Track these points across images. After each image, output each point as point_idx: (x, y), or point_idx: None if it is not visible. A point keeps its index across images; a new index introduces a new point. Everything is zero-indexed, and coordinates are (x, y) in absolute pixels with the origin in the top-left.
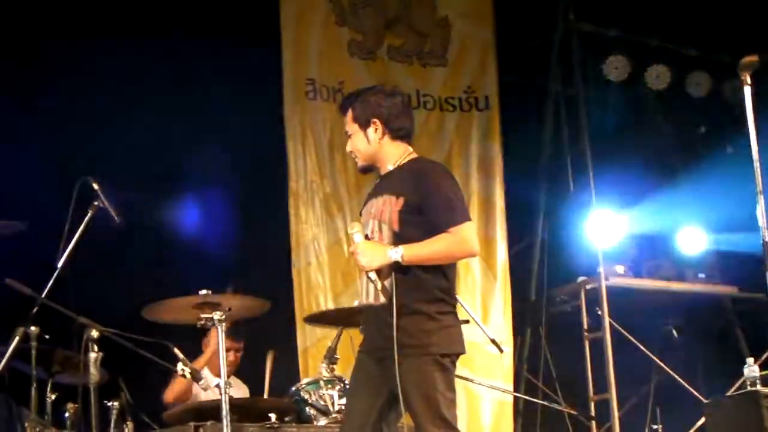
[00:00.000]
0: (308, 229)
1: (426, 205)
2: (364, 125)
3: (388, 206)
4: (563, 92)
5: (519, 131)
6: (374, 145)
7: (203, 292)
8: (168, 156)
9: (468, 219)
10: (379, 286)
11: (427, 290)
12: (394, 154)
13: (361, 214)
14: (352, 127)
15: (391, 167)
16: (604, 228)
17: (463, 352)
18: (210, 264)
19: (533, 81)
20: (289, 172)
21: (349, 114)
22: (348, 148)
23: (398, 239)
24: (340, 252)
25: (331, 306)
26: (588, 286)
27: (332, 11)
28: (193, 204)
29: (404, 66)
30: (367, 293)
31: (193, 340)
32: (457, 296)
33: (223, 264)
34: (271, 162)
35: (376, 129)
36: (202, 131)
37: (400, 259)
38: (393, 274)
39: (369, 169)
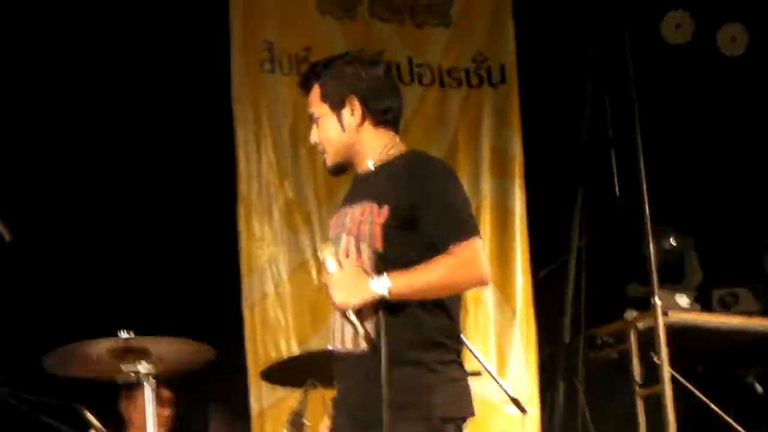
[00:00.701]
0: (263, 249)
1: (420, 216)
2: (336, 106)
3: (368, 217)
4: (606, 61)
5: (546, 114)
6: (350, 134)
7: (124, 334)
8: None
9: (476, 234)
10: (361, 330)
11: (423, 333)
12: (376, 146)
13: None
14: (319, 109)
15: (371, 164)
16: (662, 245)
17: (473, 415)
18: (133, 298)
19: (565, 46)
20: (237, 171)
21: (315, 90)
22: (313, 138)
23: (382, 263)
24: (307, 279)
25: (295, 352)
26: (640, 324)
27: None
28: (106, 216)
29: (392, 26)
30: (343, 337)
31: (113, 401)
32: (463, 339)
33: (149, 298)
34: (213, 158)
35: (352, 111)
36: (116, 116)
37: (386, 293)
38: (378, 312)
39: (342, 168)
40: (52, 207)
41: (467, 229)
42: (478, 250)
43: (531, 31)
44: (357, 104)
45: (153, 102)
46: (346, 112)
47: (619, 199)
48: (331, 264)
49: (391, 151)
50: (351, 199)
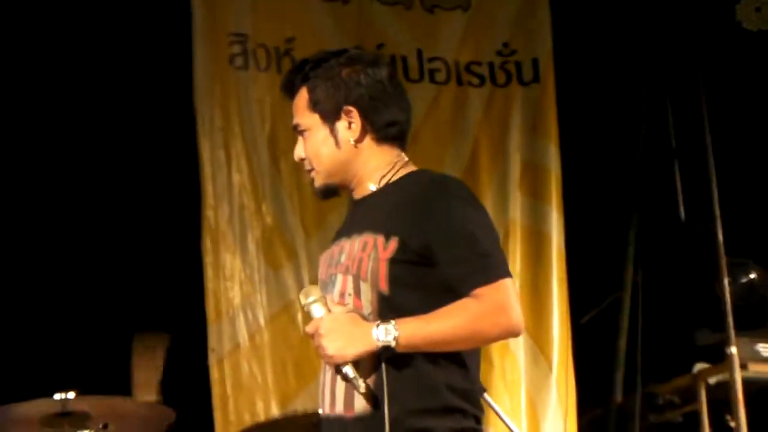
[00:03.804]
0: (235, 289)
1: (435, 253)
2: (328, 117)
3: (371, 252)
4: (666, 55)
5: (590, 120)
6: (346, 151)
7: (61, 395)
8: None
9: (506, 274)
10: (361, 385)
11: (435, 393)
12: (379, 166)
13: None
14: (306, 119)
15: (373, 187)
16: (739, 281)
17: None
18: (73, 350)
19: (614, 35)
20: (202, 191)
21: (302, 96)
22: (298, 154)
23: (388, 307)
24: (291, 326)
25: (275, 414)
26: (712, 380)
27: None
28: (46, 248)
29: (396, 11)
30: (335, 397)
31: None
32: (487, 399)
33: (93, 350)
34: (172, 175)
35: (349, 124)
36: (61, 119)
37: (392, 343)
38: (381, 366)
39: (333, 190)
40: None
41: (494, 268)
42: (509, 293)
43: (570, 17)
44: (355, 115)
45: (102, 108)
46: (341, 124)
47: (684, 224)
48: (318, 309)
49: (397, 172)
50: (348, 230)
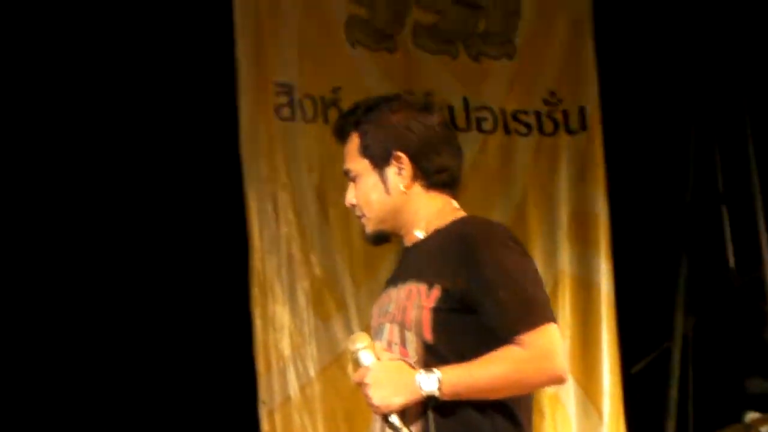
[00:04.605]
0: (285, 341)
1: (478, 299)
2: (379, 162)
3: (415, 301)
4: (714, 97)
5: (637, 168)
6: (395, 197)
7: None
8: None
9: (550, 320)
10: None
11: None
12: (428, 213)
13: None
14: (357, 165)
15: (420, 234)
16: None
17: None
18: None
19: (660, 81)
20: (249, 242)
21: (353, 141)
22: (349, 200)
23: (433, 356)
24: (341, 377)
25: None
26: (763, 428)
27: None
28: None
29: (442, 59)
30: None
31: None
32: None
33: (141, 402)
34: (219, 226)
35: (399, 169)
36: (108, 175)
37: (436, 392)
38: (428, 414)
39: (384, 237)
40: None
41: (539, 313)
42: (554, 339)
43: (616, 65)
44: (405, 161)
45: (151, 159)
46: (391, 170)
47: (734, 271)
48: (366, 357)
49: (446, 219)
50: (396, 278)
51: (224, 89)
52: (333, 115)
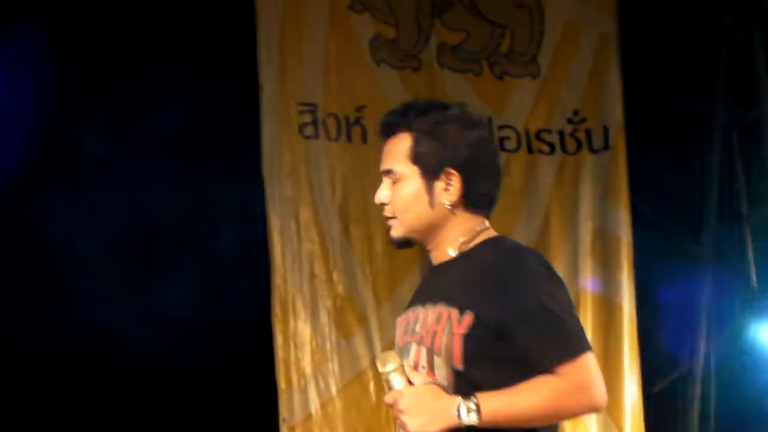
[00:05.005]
0: (306, 358)
1: (512, 329)
2: (429, 174)
3: (445, 326)
4: (736, 120)
5: (661, 187)
6: (438, 213)
7: None
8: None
9: (587, 348)
10: None
11: None
12: (463, 232)
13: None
14: (403, 167)
15: (452, 252)
16: None
17: None
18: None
19: (683, 101)
20: (272, 259)
21: (404, 142)
22: (380, 197)
23: (463, 383)
24: (363, 395)
25: None
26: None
27: None
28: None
29: (466, 77)
30: None
31: None
32: None
33: (161, 422)
34: (241, 244)
35: (447, 186)
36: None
37: (476, 421)
38: None
39: (408, 243)
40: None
41: (575, 344)
42: (592, 370)
43: (640, 82)
44: (456, 179)
45: (173, 176)
46: (439, 184)
47: (756, 290)
48: (397, 380)
49: (476, 239)
50: (423, 296)
51: (248, 107)
52: (357, 133)
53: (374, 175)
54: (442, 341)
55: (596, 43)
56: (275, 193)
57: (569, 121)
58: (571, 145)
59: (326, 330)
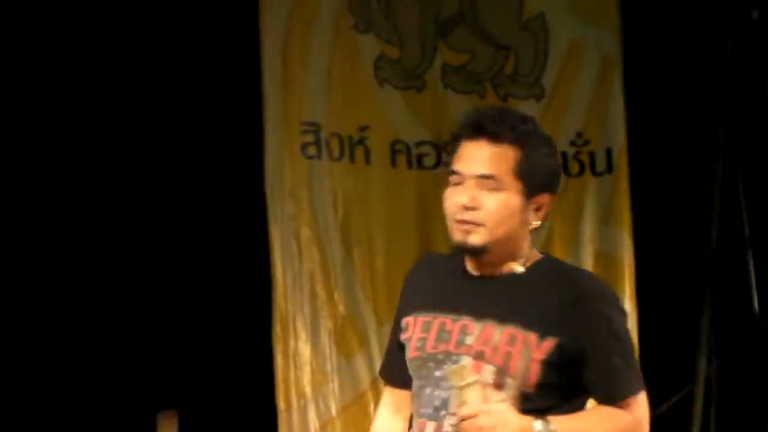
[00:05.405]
0: (306, 378)
1: (588, 357)
2: (531, 193)
3: (522, 350)
4: (740, 141)
5: (663, 211)
6: (524, 231)
7: None
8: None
9: (644, 386)
10: None
11: None
12: (527, 250)
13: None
14: (507, 179)
15: (520, 269)
16: None
17: None
18: None
19: (687, 125)
20: (273, 279)
21: (511, 153)
22: (468, 202)
23: (527, 404)
24: (363, 416)
25: None
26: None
27: (347, 9)
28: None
29: (470, 99)
30: None
31: None
32: None
33: None
34: (242, 266)
35: (538, 208)
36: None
37: None
38: None
39: (482, 252)
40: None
41: (639, 380)
42: (647, 406)
43: (644, 107)
44: (548, 204)
45: (176, 194)
46: (532, 205)
47: (758, 316)
48: (474, 395)
49: (535, 256)
50: (471, 307)
51: (250, 127)
52: (360, 154)
53: (376, 195)
54: (519, 364)
55: (600, 64)
56: (277, 212)
57: (572, 143)
58: (573, 167)
59: (327, 350)
